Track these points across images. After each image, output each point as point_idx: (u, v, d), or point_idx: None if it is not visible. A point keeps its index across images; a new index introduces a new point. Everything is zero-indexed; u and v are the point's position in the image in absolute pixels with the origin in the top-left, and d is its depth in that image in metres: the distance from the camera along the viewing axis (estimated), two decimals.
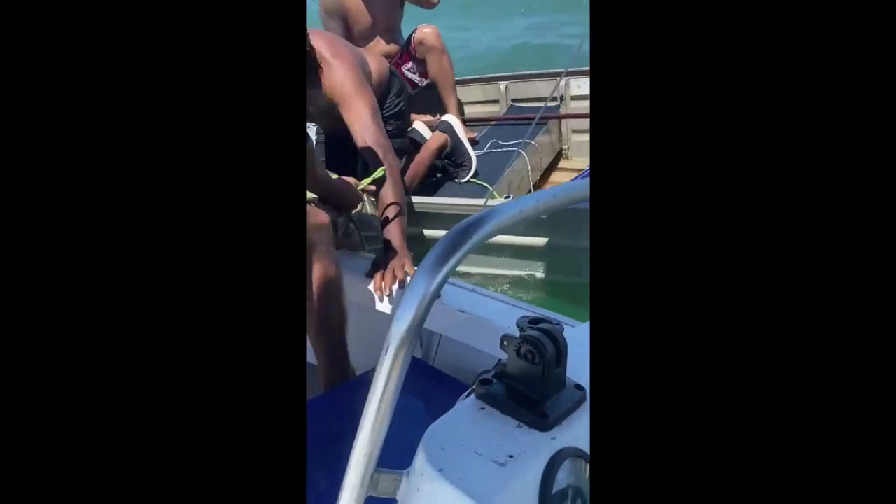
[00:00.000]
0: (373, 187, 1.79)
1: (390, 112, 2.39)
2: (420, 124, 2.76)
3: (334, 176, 1.77)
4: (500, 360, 0.70)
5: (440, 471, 0.61)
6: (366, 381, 1.48)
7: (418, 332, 0.58)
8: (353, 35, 2.81)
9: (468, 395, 0.73)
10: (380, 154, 1.81)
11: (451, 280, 1.52)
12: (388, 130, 2.26)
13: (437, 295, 0.58)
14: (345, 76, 1.90)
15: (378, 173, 1.78)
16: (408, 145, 2.59)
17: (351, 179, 1.79)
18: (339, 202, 1.69)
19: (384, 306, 1.59)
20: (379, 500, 0.69)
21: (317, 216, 1.43)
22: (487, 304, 1.50)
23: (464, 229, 0.61)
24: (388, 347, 0.58)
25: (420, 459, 0.63)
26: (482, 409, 0.69)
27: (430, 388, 1.43)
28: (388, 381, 0.59)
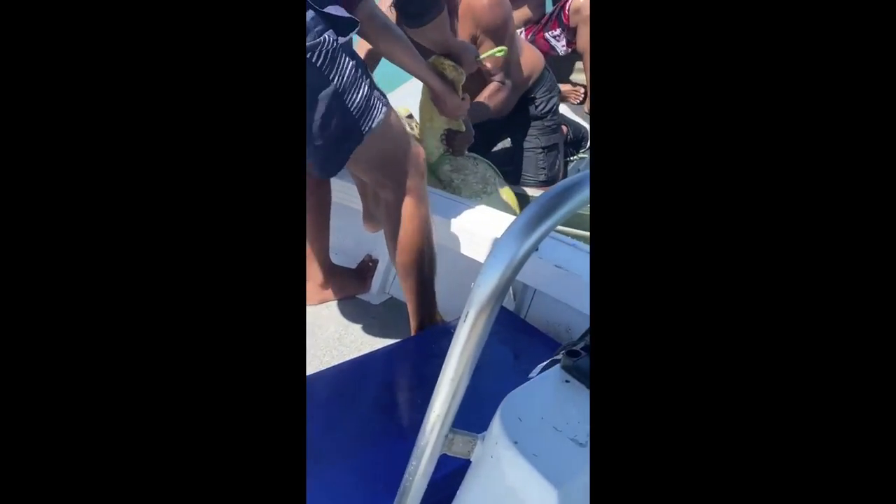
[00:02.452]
0: (488, 64, 1.81)
1: (545, 109, 2.36)
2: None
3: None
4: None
5: (515, 443, 0.58)
6: (449, 329, 1.49)
7: (501, 298, 0.54)
8: None
9: (552, 365, 0.69)
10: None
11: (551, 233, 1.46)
12: (546, 126, 2.36)
13: (524, 261, 0.54)
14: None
15: (498, 51, 1.85)
16: (562, 140, 2.51)
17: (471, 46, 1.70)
18: (458, 59, 1.61)
19: (476, 252, 1.56)
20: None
21: (415, 150, 1.39)
22: (587, 260, 1.43)
23: (560, 192, 0.56)
24: (467, 312, 0.55)
25: (496, 427, 0.61)
26: (566, 381, 0.66)
27: (520, 342, 1.41)
28: (466, 347, 0.57)
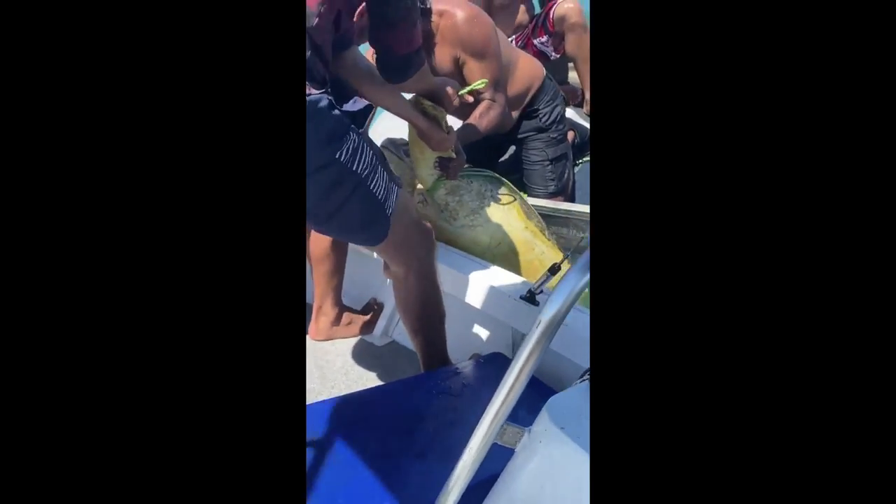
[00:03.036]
0: (469, 98, 1.78)
1: (549, 120, 2.31)
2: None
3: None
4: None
5: (562, 428, 0.75)
6: (459, 371, 1.64)
7: (563, 318, 0.72)
8: (493, 3, 2.70)
9: (583, 380, 0.87)
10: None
11: None
12: (552, 138, 2.32)
13: (582, 291, 0.72)
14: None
15: (478, 85, 1.84)
16: (569, 148, 2.46)
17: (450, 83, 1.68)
18: (438, 99, 1.62)
19: (479, 301, 1.73)
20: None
21: (425, 226, 1.51)
22: (586, 320, 1.61)
23: None
24: (539, 323, 0.72)
25: (543, 420, 0.78)
26: None
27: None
28: (532, 353, 0.74)
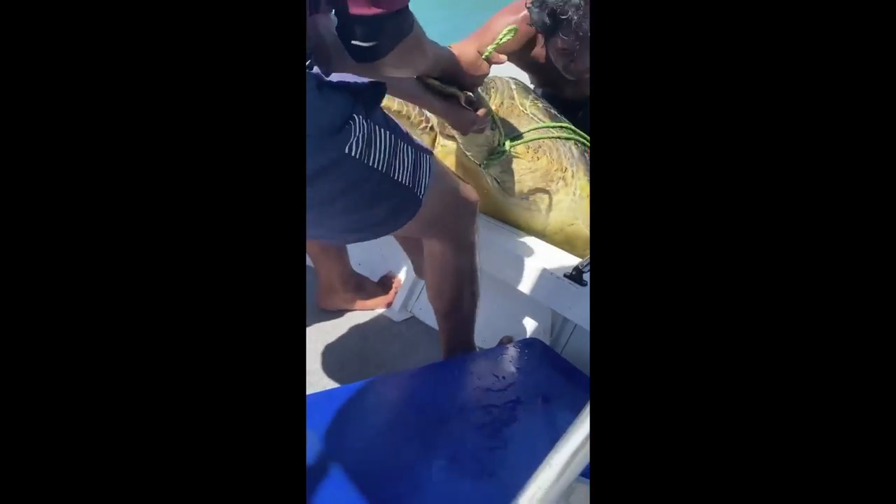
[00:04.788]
0: (502, 57, 1.28)
1: None
2: None
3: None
4: None
5: None
6: (490, 357, 1.41)
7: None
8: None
9: None
10: None
11: None
12: None
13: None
14: None
15: (506, 35, 1.28)
16: None
17: (472, 44, 1.26)
18: (459, 77, 1.24)
19: (513, 278, 1.49)
20: None
21: (464, 194, 1.27)
22: None
23: None
24: None
25: None
26: None
27: (553, 379, 1.33)
28: None
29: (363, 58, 0.95)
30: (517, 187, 1.58)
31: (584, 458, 0.53)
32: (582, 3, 1.58)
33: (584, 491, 0.57)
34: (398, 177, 1.05)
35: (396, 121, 1.11)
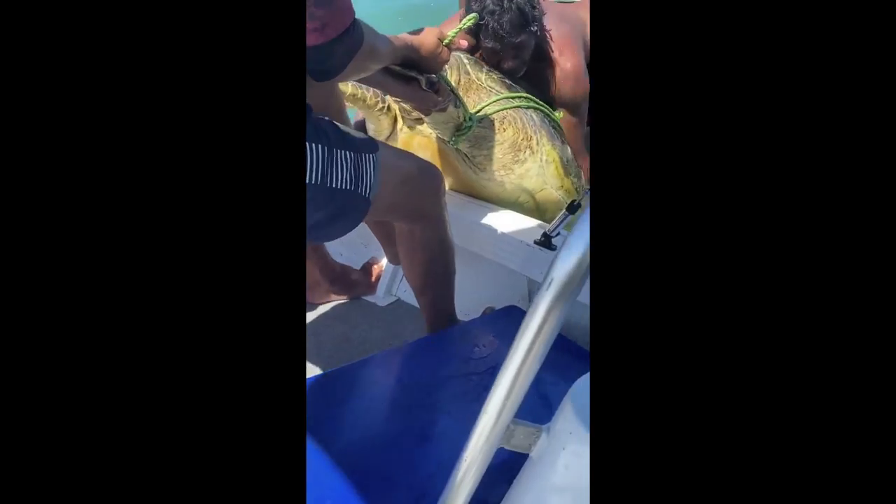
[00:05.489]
0: (463, 42, 1.33)
1: None
2: None
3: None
4: None
5: None
6: (469, 329, 1.45)
7: (587, 273, 0.50)
8: None
9: None
10: None
11: None
12: None
13: None
14: None
15: (468, 21, 1.37)
16: None
17: (433, 31, 1.28)
18: (421, 64, 1.26)
19: (487, 249, 1.52)
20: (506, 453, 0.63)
21: (426, 174, 1.30)
22: None
23: None
24: (550, 284, 0.51)
25: (567, 416, 0.57)
26: None
27: None
28: (544, 326, 0.52)
29: (322, 77, 1.02)
30: (487, 161, 1.60)
31: (517, 401, 0.56)
32: (497, 8, 1.63)
33: (523, 432, 0.60)
34: (336, 184, 1.08)
35: (352, 105, 1.13)
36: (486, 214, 1.56)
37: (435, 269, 1.37)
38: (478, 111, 1.56)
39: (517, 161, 1.62)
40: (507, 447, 0.61)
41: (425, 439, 1.12)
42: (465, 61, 1.59)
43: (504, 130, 1.59)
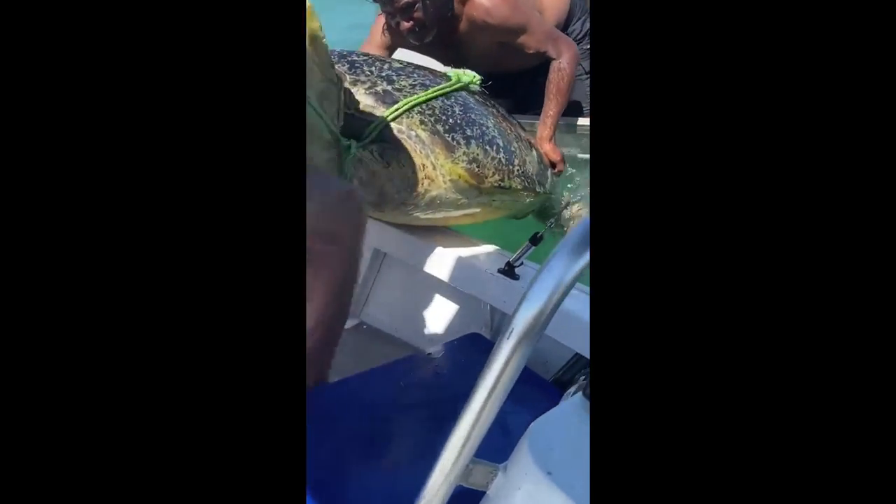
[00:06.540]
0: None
1: (582, 33, 2.18)
2: None
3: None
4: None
5: (549, 474, 0.55)
6: (432, 356, 1.45)
7: (549, 320, 0.52)
8: None
9: (575, 392, 0.66)
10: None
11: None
12: (585, 50, 2.11)
13: (574, 282, 0.51)
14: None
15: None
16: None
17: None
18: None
19: (449, 275, 1.52)
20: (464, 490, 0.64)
21: (352, 197, 1.24)
22: (580, 297, 1.41)
23: None
24: (511, 331, 0.52)
25: (523, 457, 0.58)
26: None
27: None
28: (505, 370, 0.53)
29: None
30: (383, 199, 1.45)
31: (476, 442, 0.57)
32: None
33: (481, 471, 0.61)
34: None
35: None
36: (445, 238, 1.57)
37: (328, 317, 1.28)
38: (358, 139, 1.38)
39: (416, 195, 1.47)
40: (465, 485, 0.62)
41: (385, 471, 1.12)
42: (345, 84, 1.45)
43: (388, 167, 1.43)
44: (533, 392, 1.30)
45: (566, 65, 1.89)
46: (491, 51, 1.91)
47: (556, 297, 0.50)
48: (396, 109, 1.45)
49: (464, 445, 0.57)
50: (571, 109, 2.08)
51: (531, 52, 1.90)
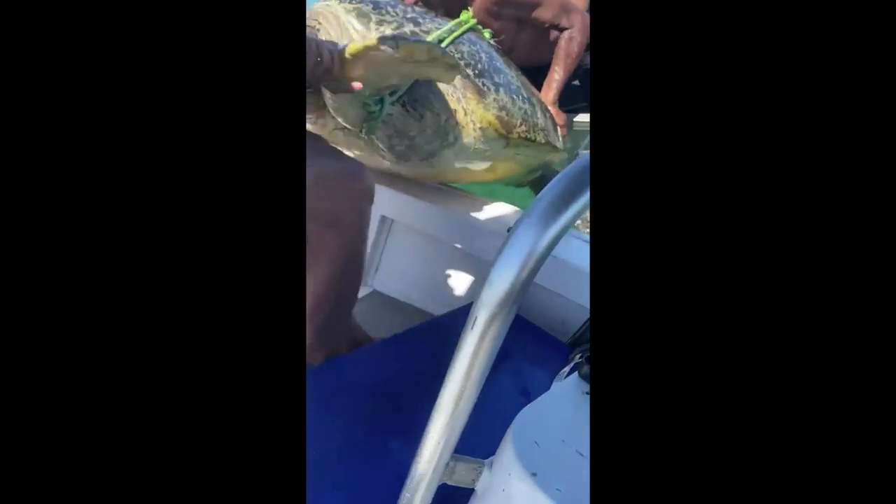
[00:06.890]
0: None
1: None
2: None
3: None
4: None
5: (533, 475, 0.48)
6: (443, 323, 1.39)
7: (518, 299, 0.44)
8: None
9: (568, 374, 0.59)
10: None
11: None
12: None
13: (547, 254, 0.43)
14: None
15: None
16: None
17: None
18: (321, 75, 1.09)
19: (460, 239, 1.45)
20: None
21: (354, 175, 1.17)
22: (586, 250, 1.33)
23: (585, 167, 0.46)
24: (475, 317, 0.45)
25: (508, 454, 0.51)
26: (587, 393, 0.56)
27: (511, 336, 1.31)
28: (475, 360, 0.46)
29: None
30: (411, 151, 1.37)
31: (454, 438, 0.51)
32: None
33: (464, 467, 0.55)
34: None
35: None
36: (455, 199, 1.49)
37: (336, 289, 1.24)
38: (392, 92, 1.24)
39: (443, 146, 1.38)
40: (450, 483, 0.56)
41: (390, 448, 1.08)
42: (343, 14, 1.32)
43: (422, 117, 1.33)
44: (550, 354, 1.25)
45: (577, 33, 1.85)
46: (508, 31, 1.82)
47: (525, 271, 0.43)
48: (429, 44, 1.26)
49: (439, 444, 0.50)
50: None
51: (546, 25, 1.83)
